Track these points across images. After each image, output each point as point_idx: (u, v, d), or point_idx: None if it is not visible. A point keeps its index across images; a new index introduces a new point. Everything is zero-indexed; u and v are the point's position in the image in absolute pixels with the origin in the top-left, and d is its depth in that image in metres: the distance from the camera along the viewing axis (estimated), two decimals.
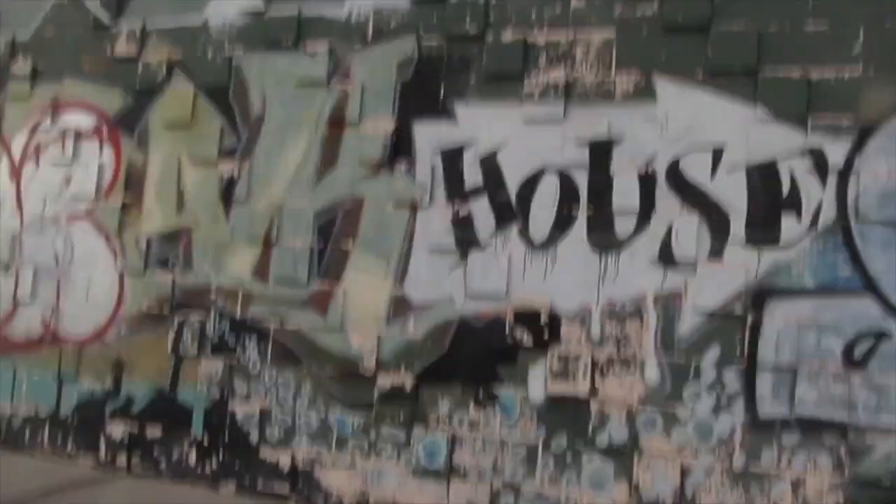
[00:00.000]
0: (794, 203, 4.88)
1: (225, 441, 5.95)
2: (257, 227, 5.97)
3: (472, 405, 5.42)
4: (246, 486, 5.88)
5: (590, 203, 5.24)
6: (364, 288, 5.68)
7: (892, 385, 4.64)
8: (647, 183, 5.14)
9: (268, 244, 5.94)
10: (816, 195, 4.85)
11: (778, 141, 4.92)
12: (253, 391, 5.92)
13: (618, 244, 5.18)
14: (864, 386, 4.69)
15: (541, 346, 5.27)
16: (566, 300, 5.26)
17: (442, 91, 5.61)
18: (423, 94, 5.65)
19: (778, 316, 4.85)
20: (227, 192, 6.11)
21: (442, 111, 5.60)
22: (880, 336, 4.69)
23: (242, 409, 5.92)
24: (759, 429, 4.85)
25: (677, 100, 5.13)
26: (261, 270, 5.96)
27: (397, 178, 5.66)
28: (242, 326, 5.99)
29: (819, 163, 4.85)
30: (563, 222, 5.29)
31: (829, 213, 4.82)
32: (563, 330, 5.25)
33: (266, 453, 5.84)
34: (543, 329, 5.26)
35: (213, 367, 6.03)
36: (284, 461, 5.78)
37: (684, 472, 4.96)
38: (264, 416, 5.87)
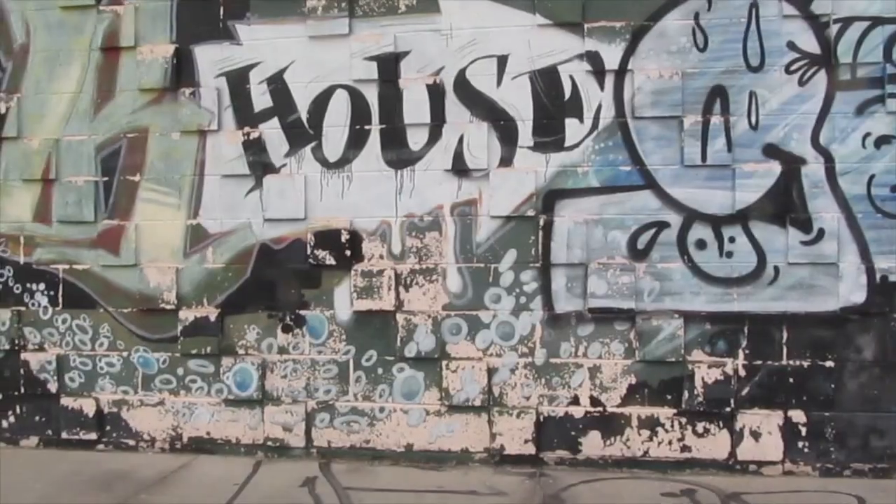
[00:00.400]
0: (575, 106, 5.08)
1: (21, 393, 5.64)
2: (34, 165, 5.59)
3: (279, 330, 5.38)
4: (50, 438, 5.63)
5: (381, 118, 5.23)
6: (157, 221, 5.47)
7: (673, 270, 4.98)
8: (436, 95, 5.18)
9: (47, 183, 5.58)
10: (596, 97, 5.06)
11: (557, 46, 5.08)
12: (46, 339, 5.63)
13: (412, 157, 5.22)
14: (647, 273, 5.01)
15: (343, 264, 5.28)
16: (365, 217, 5.28)
17: (221, 11, 5.38)
18: (202, 14, 5.41)
19: (567, 215, 5.08)
20: None
21: (223, 32, 5.39)
22: (660, 226, 5.01)
23: (36, 359, 5.62)
24: (557, 323, 5.11)
25: (460, 10, 5.18)
26: (42, 211, 5.61)
27: (182, 104, 5.43)
28: (28, 272, 5.63)
29: (596, 65, 5.04)
30: (356, 139, 5.27)
31: (608, 114, 5.05)
32: (365, 247, 5.28)
33: (68, 401, 5.60)
34: (345, 248, 5.26)
35: None
36: (89, 407, 5.56)
37: (490, 372, 5.17)
38: (62, 364, 5.61)
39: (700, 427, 4.99)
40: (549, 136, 5.09)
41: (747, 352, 4.95)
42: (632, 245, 5.04)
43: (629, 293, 5.02)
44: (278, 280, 5.38)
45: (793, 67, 4.87)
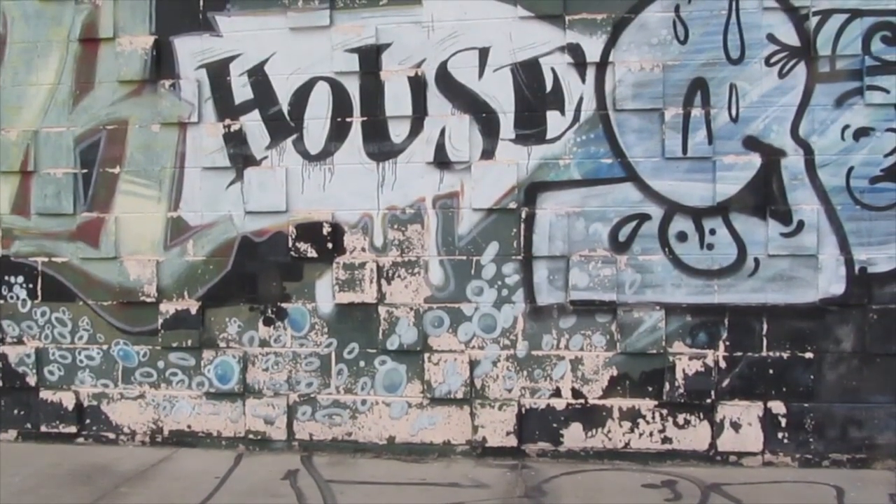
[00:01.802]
0: (557, 98, 5.08)
1: None
2: (12, 157, 5.54)
3: (260, 323, 5.36)
4: (28, 431, 5.60)
5: (363, 110, 5.22)
6: (137, 213, 5.44)
7: (654, 262, 4.99)
8: (417, 87, 5.17)
9: (25, 175, 5.54)
10: (577, 90, 5.06)
11: (539, 39, 5.08)
12: (25, 332, 5.59)
13: (394, 150, 5.21)
14: (629, 266, 5.02)
15: (325, 257, 5.27)
16: (347, 210, 5.27)
17: (201, 2, 5.34)
18: (181, 6, 5.37)
19: (549, 207, 5.08)
20: None
21: (203, 24, 5.35)
22: (641, 218, 5.02)
23: (15, 352, 5.58)
24: (539, 316, 5.11)
25: (441, 2, 5.17)
26: (20, 203, 5.56)
27: (162, 96, 5.40)
28: (6, 265, 5.59)
29: (577, 58, 5.04)
30: (338, 132, 5.26)
31: (589, 106, 5.05)
32: (347, 239, 5.27)
33: (47, 395, 5.56)
34: (326, 240, 5.25)
35: None
36: (68, 400, 5.53)
37: (472, 365, 5.17)
38: (41, 357, 5.57)
39: (681, 418, 5.01)
40: (530, 128, 5.10)
41: (728, 343, 4.97)
42: (613, 237, 5.05)
43: (611, 285, 5.03)
44: (260, 273, 5.36)
45: (773, 60, 4.89)
